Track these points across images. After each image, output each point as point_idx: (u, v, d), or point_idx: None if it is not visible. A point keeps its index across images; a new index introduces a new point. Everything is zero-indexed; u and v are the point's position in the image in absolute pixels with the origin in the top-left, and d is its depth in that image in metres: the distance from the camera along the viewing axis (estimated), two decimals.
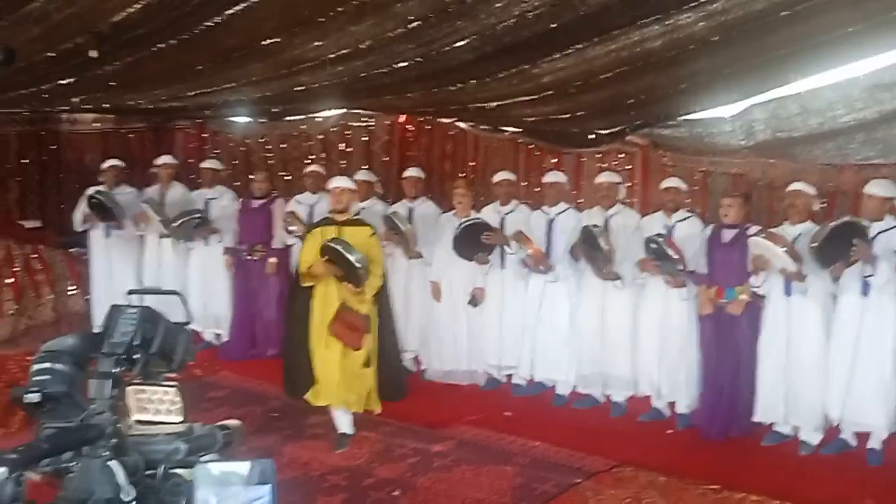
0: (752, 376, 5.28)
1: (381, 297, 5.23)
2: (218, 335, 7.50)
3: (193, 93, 5.60)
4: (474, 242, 6.07)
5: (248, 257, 7.16)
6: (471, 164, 7.87)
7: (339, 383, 4.97)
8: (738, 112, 5.40)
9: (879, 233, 4.90)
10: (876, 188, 5.00)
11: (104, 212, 7.23)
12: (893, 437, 4.93)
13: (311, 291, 5.10)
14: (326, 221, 5.28)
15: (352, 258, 4.81)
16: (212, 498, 1.25)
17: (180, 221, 7.05)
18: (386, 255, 5.86)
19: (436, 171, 7.71)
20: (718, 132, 5.84)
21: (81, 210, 7.41)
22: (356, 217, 5.41)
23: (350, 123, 8.34)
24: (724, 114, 5.60)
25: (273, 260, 7.09)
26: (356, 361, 5.00)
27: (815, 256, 4.88)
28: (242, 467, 1.27)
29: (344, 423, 5.12)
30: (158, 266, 7.52)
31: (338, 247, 4.87)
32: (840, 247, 4.80)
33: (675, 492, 4.45)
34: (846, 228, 4.83)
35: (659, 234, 5.46)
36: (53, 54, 3.91)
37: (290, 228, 6.76)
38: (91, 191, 7.30)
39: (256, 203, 7.20)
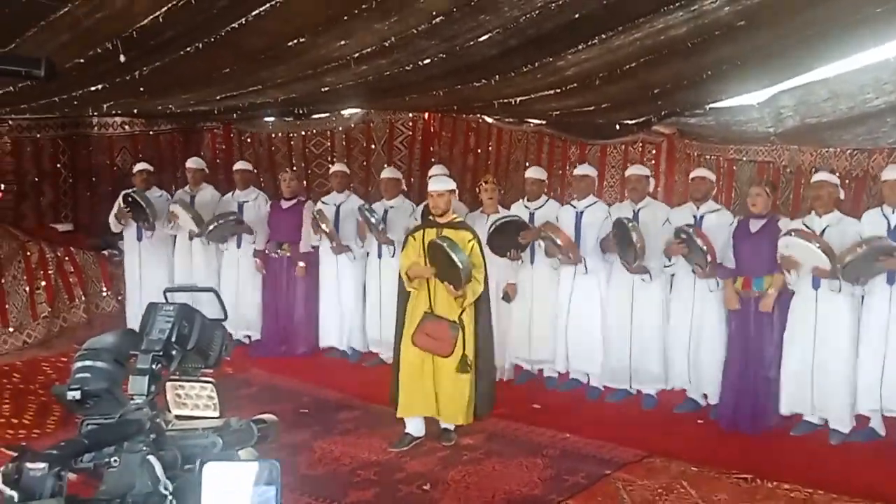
0: (780, 369, 5.22)
1: (481, 303, 4.99)
2: (248, 336, 7.54)
3: (220, 96, 5.66)
4: (507, 239, 6.03)
5: (278, 252, 7.14)
6: (493, 157, 7.87)
7: (422, 394, 4.89)
8: (766, 99, 5.35)
9: None
10: (894, 172, 4.89)
11: (139, 211, 7.30)
12: None
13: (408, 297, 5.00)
14: (427, 224, 5.12)
15: (455, 258, 4.66)
16: (217, 498, 1.26)
17: (216, 224, 7.06)
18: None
19: (457, 165, 7.69)
20: (746, 120, 5.79)
21: (115, 210, 7.48)
22: (458, 221, 5.10)
23: (373, 120, 8.38)
24: (751, 101, 5.55)
25: (301, 264, 7.09)
26: (447, 369, 4.86)
27: (843, 277, 4.80)
28: (249, 468, 1.29)
29: (413, 423, 5.04)
30: (190, 268, 7.56)
31: (444, 244, 4.71)
32: (866, 265, 4.73)
33: (707, 482, 4.42)
34: (873, 252, 4.71)
35: (689, 224, 5.42)
36: (82, 60, 3.97)
37: (321, 225, 6.75)
38: (126, 192, 7.39)
39: (286, 204, 7.16)
